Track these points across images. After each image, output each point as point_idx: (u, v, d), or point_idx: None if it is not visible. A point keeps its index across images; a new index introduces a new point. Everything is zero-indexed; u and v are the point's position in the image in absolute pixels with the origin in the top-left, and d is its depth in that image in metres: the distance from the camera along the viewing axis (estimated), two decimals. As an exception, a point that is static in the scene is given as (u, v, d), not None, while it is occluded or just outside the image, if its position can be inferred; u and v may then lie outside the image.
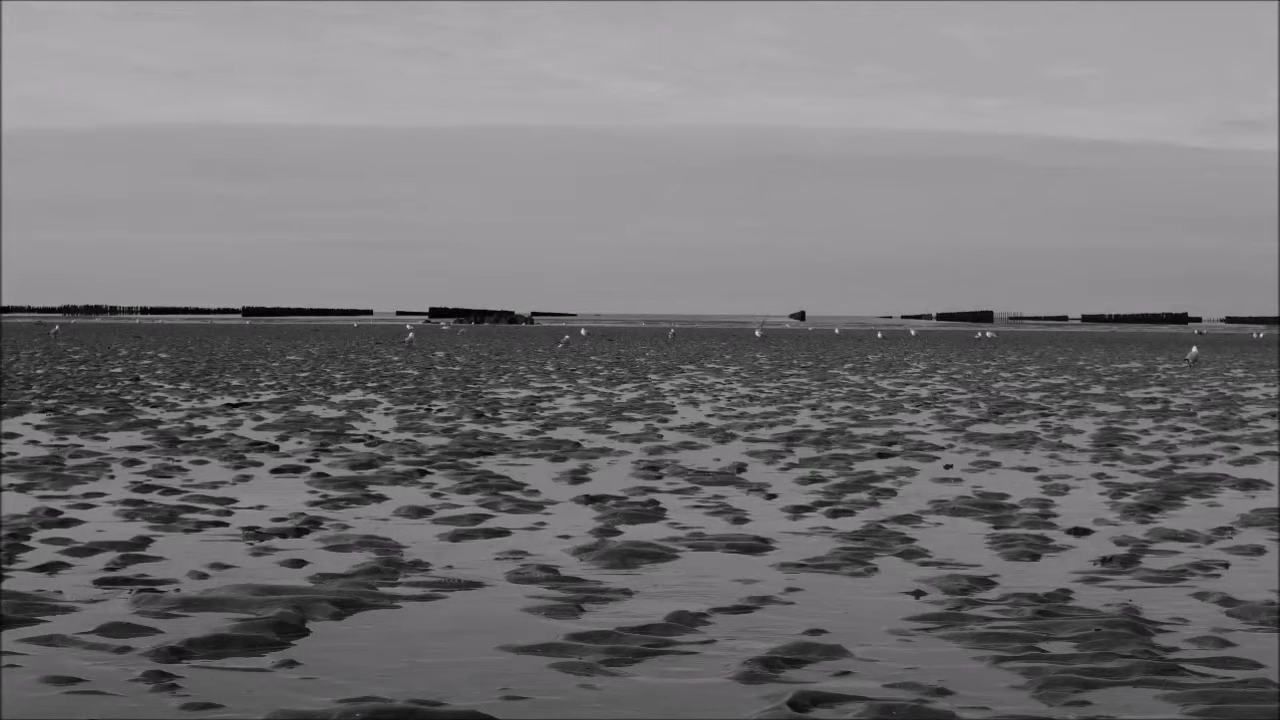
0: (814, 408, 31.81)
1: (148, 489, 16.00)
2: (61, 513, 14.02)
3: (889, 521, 14.09)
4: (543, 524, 13.70)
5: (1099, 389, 42.16)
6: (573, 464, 19.23)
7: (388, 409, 29.81)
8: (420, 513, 14.24)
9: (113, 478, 17.07)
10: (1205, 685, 7.74)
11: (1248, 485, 17.40)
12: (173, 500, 15.13)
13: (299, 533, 12.96)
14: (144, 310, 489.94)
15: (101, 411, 28.08)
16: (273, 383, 40.52)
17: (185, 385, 38.64)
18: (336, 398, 33.70)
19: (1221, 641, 8.92)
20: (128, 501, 14.83)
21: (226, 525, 13.37)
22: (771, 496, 16.00)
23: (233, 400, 32.36)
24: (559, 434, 24.01)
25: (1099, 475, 18.54)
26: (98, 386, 37.48)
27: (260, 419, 26.66)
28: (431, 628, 9.12)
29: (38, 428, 24.24)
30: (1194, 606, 10.04)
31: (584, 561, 11.62)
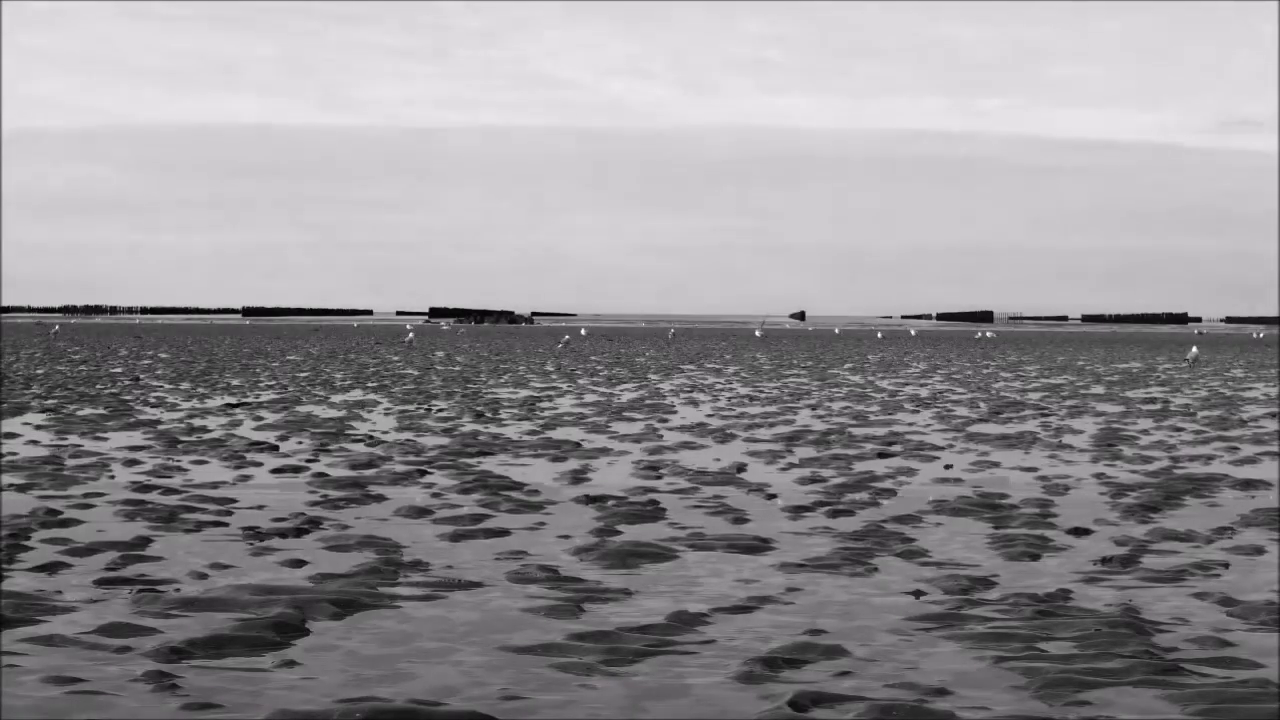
0: (814, 408, 31.81)
1: (148, 489, 16.00)
2: (61, 513, 14.02)
3: (889, 521, 14.09)
4: (543, 524, 13.70)
5: (1099, 389, 42.16)
6: (573, 464, 19.23)
7: (388, 409, 29.81)
8: (420, 513, 14.24)
9: (113, 478, 17.07)
10: (1205, 685, 7.74)
11: (1248, 485, 17.40)
12: (173, 500, 15.12)
13: (299, 533, 12.96)
14: (144, 310, 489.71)
15: (101, 411, 28.09)
16: (273, 383, 40.52)
17: (185, 385, 38.64)
18: (336, 398, 33.70)
19: (1221, 641, 8.92)
20: (128, 501, 14.83)
21: (226, 525, 13.37)
22: (771, 496, 15.99)
23: (233, 400, 32.36)
24: (559, 434, 24.01)
25: (1099, 475, 18.53)
26: (98, 386, 37.48)
27: (260, 419, 26.66)
28: (431, 628, 9.12)
29: (38, 428, 24.24)
30: (1194, 606, 10.04)
31: (584, 561, 11.62)
